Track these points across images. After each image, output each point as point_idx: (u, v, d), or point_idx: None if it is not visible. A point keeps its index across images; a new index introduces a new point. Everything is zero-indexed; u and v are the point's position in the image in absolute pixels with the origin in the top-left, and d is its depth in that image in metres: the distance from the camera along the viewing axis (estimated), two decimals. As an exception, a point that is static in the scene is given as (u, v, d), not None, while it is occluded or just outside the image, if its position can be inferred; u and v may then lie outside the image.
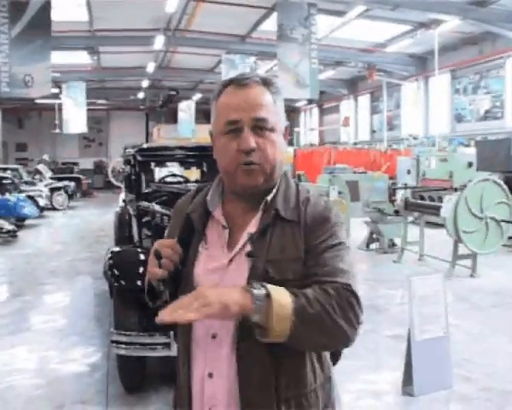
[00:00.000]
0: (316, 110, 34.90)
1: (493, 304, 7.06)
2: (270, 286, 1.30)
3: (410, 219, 10.72)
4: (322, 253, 1.43)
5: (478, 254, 8.51)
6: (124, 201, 7.73)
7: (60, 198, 20.39)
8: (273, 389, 1.41)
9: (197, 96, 30.96)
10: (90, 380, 4.76)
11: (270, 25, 16.89)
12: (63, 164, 31.17)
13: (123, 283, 4.34)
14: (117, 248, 5.35)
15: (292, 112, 34.89)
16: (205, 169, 7.27)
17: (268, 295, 1.27)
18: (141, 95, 31.92)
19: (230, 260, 1.47)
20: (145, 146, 6.71)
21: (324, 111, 33.93)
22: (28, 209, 14.85)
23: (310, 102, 30.45)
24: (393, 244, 10.75)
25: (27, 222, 15.42)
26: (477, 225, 8.35)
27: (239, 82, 1.49)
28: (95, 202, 24.29)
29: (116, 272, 4.42)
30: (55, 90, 22.21)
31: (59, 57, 17.89)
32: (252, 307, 1.26)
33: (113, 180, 23.15)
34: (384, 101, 24.92)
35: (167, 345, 3.96)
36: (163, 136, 27.03)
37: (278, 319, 1.27)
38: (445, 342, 4.47)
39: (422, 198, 11.10)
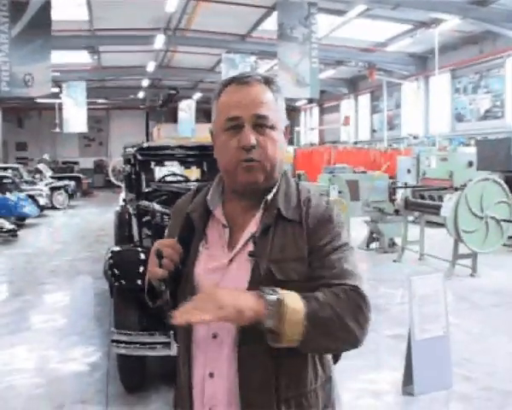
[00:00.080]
0: (316, 109, 34.89)
1: (493, 304, 7.06)
2: (281, 291, 1.29)
3: (411, 218, 10.72)
4: (327, 255, 1.44)
5: (478, 254, 8.50)
6: (124, 200, 7.73)
7: (60, 197, 20.39)
8: (273, 389, 1.41)
9: (197, 96, 30.98)
10: (90, 379, 4.76)
11: (271, 24, 16.88)
12: (63, 163, 31.18)
13: (123, 282, 4.34)
14: (117, 248, 5.36)
15: (292, 111, 34.87)
16: (205, 168, 7.27)
17: (280, 301, 1.27)
18: (141, 94, 31.93)
19: (231, 260, 1.47)
20: (145, 145, 6.70)
21: (324, 110, 33.92)
22: (28, 208, 14.86)
23: (310, 101, 30.44)
24: (393, 244, 10.74)
25: (28, 221, 15.43)
26: (477, 224, 8.35)
27: (240, 80, 1.50)
28: (95, 201, 24.30)
29: (116, 271, 4.42)
30: (56, 90, 22.20)
31: (59, 57, 17.87)
32: (265, 312, 1.26)
33: (113, 179, 23.15)
34: (384, 100, 24.91)
35: (167, 344, 3.96)
36: (163, 135, 27.03)
37: (291, 324, 1.26)
38: (446, 341, 4.47)
39: (423, 197, 11.10)
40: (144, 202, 5.58)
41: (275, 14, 15.42)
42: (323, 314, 1.31)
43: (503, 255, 9.70)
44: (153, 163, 6.82)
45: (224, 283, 1.44)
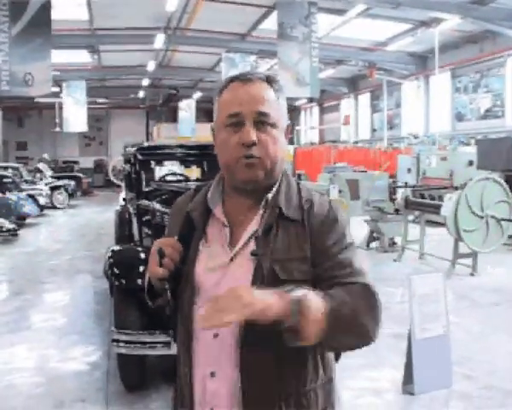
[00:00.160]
0: (316, 109, 34.88)
1: (494, 302, 7.06)
2: (301, 290, 1.29)
3: (411, 217, 10.71)
4: (336, 254, 1.44)
5: (478, 253, 8.50)
6: (124, 199, 7.73)
7: (60, 197, 20.39)
8: (274, 388, 1.41)
9: (197, 95, 30.99)
10: (90, 378, 4.76)
11: (271, 23, 16.88)
12: (63, 163, 31.19)
13: (123, 281, 4.34)
14: (117, 247, 5.36)
15: (292, 111, 34.87)
16: (205, 168, 7.27)
17: (303, 298, 1.26)
18: (141, 93, 31.96)
19: (232, 259, 1.46)
20: (145, 145, 6.71)
21: (324, 110, 33.91)
22: (29, 208, 14.86)
23: (310, 100, 30.45)
24: (394, 243, 10.74)
25: (28, 221, 15.42)
26: (477, 223, 8.35)
27: (243, 78, 1.50)
28: (95, 200, 24.29)
29: (116, 270, 4.42)
30: (56, 89, 22.19)
31: (59, 56, 17.88)
32: (289, 310, 1.24)
33: (113, 179, 23.16)
34: (384, 99, 24.90)
35: (167, 344, 3.97)
36: (163, 135, 27.04)
37: (313, 321, 1.26)
38: (446, 340, 4.47)
39: (423, 197, 11.08)
40: (144, 202, 5.58)
41: (275, 13, 15.42)
42: (342, 312, 1.31)
43: (504, 254, 9.70)
44: (153, 162, 6.83)
45: (224, 281, 1.44)
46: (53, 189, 20.06)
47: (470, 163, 13.66)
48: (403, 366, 4.42)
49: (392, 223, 10.48)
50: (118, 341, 4.11)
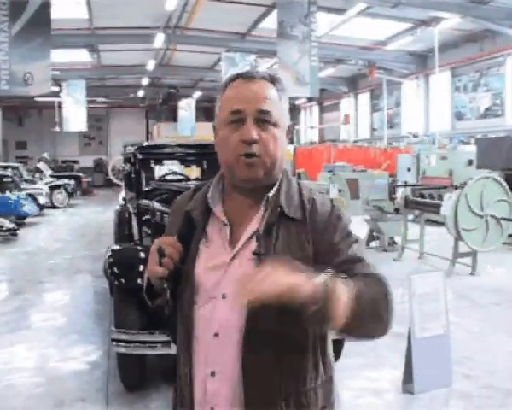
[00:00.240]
0: (316, 108, 34.87)
1: (493, 302, 7.06)
2: (325, 274, 1.26)
3: (410, 217, 10.72)
4: (345, 250, 1.45)
5: (478, 252, 8.50)
6: (124, 199, 7.73)
7: (60, 196, 20.39)
8: (276, 387, 1.40)
9: (197, 94, 30.99)
10: (90, 378, 4.76)
11: (271, 22, 16.87)
12: (63, 162, 31.20)
13: (123, 281, 4.34)
14: (117, 247, 5.35)
15: (292, 110, 34.53)
16: (205, 167, 7.26)
17: (331, 281, 1.24)
18: (141, 93, 31.94)
19: (232, 258, 1.46)
20: (145, 144, 6.71)
21: (324, 109, 33.90)
22: (28, 207, 14.85)
23: (310, 99, 30.46)
24: (393, 242, 10.74)
25: (27, 220, 15.42)
26: (477, 222, 8.35)
27: (246, 76, 1.51)
28: (95, 200, 24.30)
29: (116, 270, 4.42)
30: (55, 88, 22.19)
31: (59, 55, 17.89)
32: (317, 291, 1.21)
33: (113, 178, 23.14)
34: (384, 99, 24.90)
35: (167, 343, 3.96)
36: (163, 134, 27.02)
37: (339, 305, 1.23)
38: (446, 340, 4.47)
39: (422, 196, 11.10)
40: (144, 201, 5.58)
41: (275, 12, 15.41)
42: (364, 299, 1.30)
43: (503, 254, 9.71)
44: (152, 162, 6.82)
45: (225, 281, 1.43)
46: (53, 188, 20.06)
47: (470, 162, 13.68)
48: (403, 366, 4.42)
49: (391, 222, 10.48)
50: (117, 340, 4.10)
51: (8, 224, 12.69)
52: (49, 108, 29.92)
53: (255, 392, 1.39)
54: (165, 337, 3.99)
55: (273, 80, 1.52)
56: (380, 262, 9.61)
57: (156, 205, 5.16)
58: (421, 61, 22.99)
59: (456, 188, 8.88)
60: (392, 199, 10.57)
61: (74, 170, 28.74)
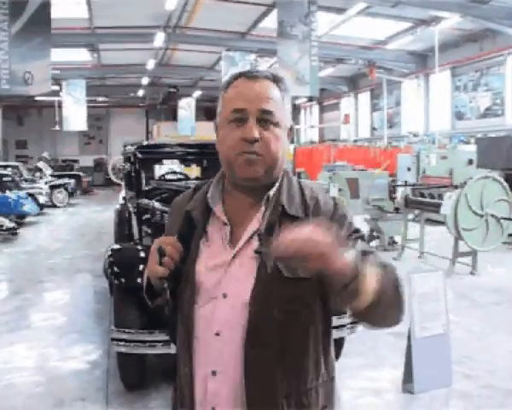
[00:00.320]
0: (316, 108, 34.87)
1: (493, 301, 7.06)
2: (356, 250, 1.26)
3: (410, 216, 10.72)
4: (354, 245, 1.44)
5: (478, 252, 8.50)
6: (124, 198, 7.72)
7: (60, 195, 20.38)
8: (277, 387, 1.40)
9: (197, 94, 30.97)
10: (90, 377, 4.76)
11: (271, 22, 16.86)
12: (63, 161, 31.19)
13: (123, 280, 4.33)
14: (117, 246, 5.35)
15: (292, 109, 34.72)
16: (205, 166, 7.26)
17: (362, 254, 1.25)
18: (141, 92, 31.94)
19: (233, 257, 1.46)
20: (145, 143, 6.70)
21: (324, 108, 33.90)
22: (28, 207, 14.85)
23: (310, 99, 30.44)
24: (394, 242, 10.74)
25: (27, 220, 15.42)
26: (477, 222, 8.35)
27: (249, 75, 1.51)
28: (95, 199, 24.29)
29: (116, 269, 4.42)
30: (55, 88, 22.20)
31: (59, 54, 17.85)
32: (351, 263, 1.21)
33: (113, 178, 23.14)
34: (384, 98, 24.90)
35: (167, 342, 3.95)
36: (163, 133, 27.03)
37: (367, 282, 1.24)
38: (446, 339, 4.47)
39: (422, 195, 11.09)
40: (144, 200, 5.57)
41: (275, 11, 15.41)
42: (386, 283, 1.30)
43: (503, 253, 9.71)
44: (153, 161, 6.82)
45: (226, 280, 1.43)
46: (53, 187, 20.06)
47: (470, 162, 13.68)
48: (403, 366, 4.41)
49: (391, 222, 10.48)
50: (117, 339, 4.11)
51: (8, 223, 12.70)
52: (49, 107, 29.93)
53: (257, 391, 1.39)
54: (164, 337, 3.98)
55: (276, 80, 1.52)
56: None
57: (156, 204, 5.16)
58: (422, 61, 22.99)
59: (456, 187, 8.88)
60: (393, 198, 10.57)
61: (74, 169, 28.73)
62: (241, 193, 1.51)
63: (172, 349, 3.99)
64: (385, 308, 1.34)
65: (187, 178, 7.34)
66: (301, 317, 1.42)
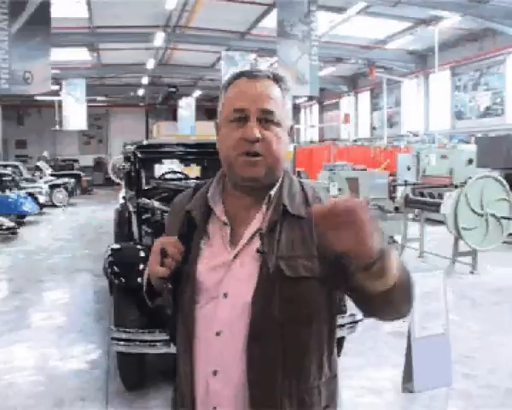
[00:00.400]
0: (316, 107, 34.87)
1: (494, 301, 7.06)
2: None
3: (410, 216, 10.72)
4: None
5: (478, 251, 8.50)
6: (124, 198, 7.72)
7: (60, 195, 20.37)
8: (280, 386, 1.40)
9: (197, 93, 30.96)
10: (90, 377, 4.76)
11: (270, 21, 16.86)
12: (63, 161, 31.12)
13: (123, 280, 4.33)
14: (117, 245, 5.35)
15: (292, 109, 34.79)
16: (205, 166, 7.26)
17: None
18: (141, 92, 31.93)
19: (234, 257, 1.45)
20: (145, 143, 6.70)
21: (324, 108, 33.90)
22: (28, 206, 14.84)
23: (310, 98, 30.43)
24: (394, 241, 10.72)
25: (27, 219, 15.42)
26: (477, 221, 8.35)
27: (250, 74, 1.50)
28: (95, 198, 24.28)
29: (116, 269, 4.42)
30: (55, 87, 22.18)
31: (59, 54, 17.87)
32: (378, 248, 1.20)
33: (113, 177, 23.12)
34: (384, 98, 24.90)
35: (167, 342, 3.95)
36: (163, 133, 27.03)
37: (391, 267, 1.25)
38: (446, 339, 4.46)
39: (422, 195, 11.08)
40: (144, 200, 5.57)
41: (275, 11, 15.39)
42: (402, 273, 1.32)
43: (503, 253, 9.69)
44: (152, 161, 6.82)
45: (227, 280, 1.43)
46: (52, 187, 20.04)
47: (470, 161, 13.67)
48: (402, 365, 4.41)
49: (391, 221, 10.46)
50: (117, 339, 4.10)
51: (7, 223, 12.70)
52: (48, 106, 29.90)
53: (260, 391, 1.39)
54: (164, 336, 3.98)
55: (277, 79, 1.51)
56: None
57: (156, 204, 5.15)
58: (421, 60, 22.99)
59: (456, 187, 8.88)
60: (393, 198, 10.57)
61: (74, 169, 28.69)
62: (241, 193, 1.51)
63: (172, 349, 3.99)
64: (399, 297, 1.35)
65: (187, 177, 7.34)
66: (303, 316, 1.42)
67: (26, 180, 18.92)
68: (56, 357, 5.25)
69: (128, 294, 4.24)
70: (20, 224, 14.16)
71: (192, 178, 7.12)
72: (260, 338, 1.37)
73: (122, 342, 4.09)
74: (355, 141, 26.19)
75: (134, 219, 5.98)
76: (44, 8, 12.82)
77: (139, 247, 5.00)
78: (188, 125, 28.02)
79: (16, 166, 19.87)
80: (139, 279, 4.06)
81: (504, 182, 8.66)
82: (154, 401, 4.27)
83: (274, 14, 15.59)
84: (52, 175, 22.51)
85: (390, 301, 1.34)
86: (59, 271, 9.24)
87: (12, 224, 12.83)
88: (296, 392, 1.42)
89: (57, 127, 28.45)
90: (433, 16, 17.18)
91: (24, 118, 34.68)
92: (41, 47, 12.86)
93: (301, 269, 1.40)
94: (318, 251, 1.41)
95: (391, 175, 14.02)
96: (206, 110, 31.71)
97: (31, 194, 16.27)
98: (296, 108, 35.58)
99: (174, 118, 30.79)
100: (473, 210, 8.30)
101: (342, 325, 4.25)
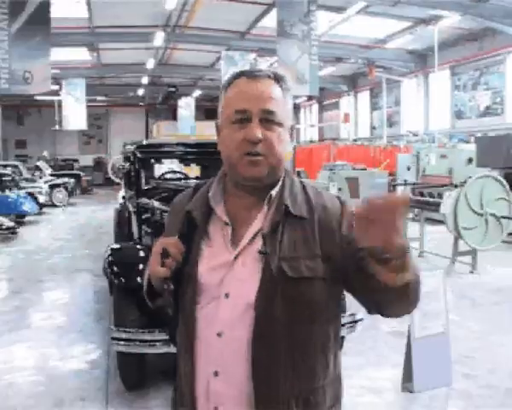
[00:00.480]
0: (315, 107, 34.88)
1: (494, 301, 7.06)
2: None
3: (410, 215, 10.71)
4: None
5: (478, 251, 8.50)
6: (123, 197, 7.72)
7: (59, 195, 20.36)
8: (285, 386, 1.40)
9: (197, 93, 30.95)
10: (90, 377, 4.75)
11: (270, 21, 16.85)
12: (63, 161, 31.13)
13: (123, 280, 4.33)
14: (117, 245, 5.35)
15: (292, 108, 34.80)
16: (205, 166, 7.26)
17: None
18: (140, 91, 31.93)
19: (235, 257, 1.45)
20: (145, 143, 6.70)
21: (324, 107, 33.91)
22: (28, 206, 14.84)
23: (309, 98, 30.42)
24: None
25: (27, 219, 15.42)
26: (477, 221, 8.35)
27: (250, 74, 1.50)
28: (94, 198, 24.27)
29: (116, 269, 4.42)
30: (55, 87, 22.18)
31: (59, 54, 17.87)
32: (402, 243, 1.21)
33: (113, 177, 23.12)
34: (384, 97, 24.90)
35: (167, 342, 3.95)
36: (163, 133, 27.04)
37: (411, 262, 1.26)
38: (446, 338, 4.46)
39: (422, 195, 11.09)
40: (144, 200, 5.57)
41: (274, 10, 15.39)
42: (416, 266, 1.32)
43: (503, 252, 9.70)
44: (152, 160, 6.82)
45: (228, 280, 1.43)
46: (52, 187, 20.04)
47: (470, 161, 13.66)
48: (402, 365, 4.41)
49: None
50: (117, 339, 4.10)
51: (7, 222, 12.69)
52: (48, 106, 29.89)
53: (264, 391, 1.39)
54: (164, 336, 3.98)
55: (277, 79, 1.51)
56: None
57: (156, 204, 5.15)
58: (421, 60, 22.98)
59: (455, 186, 8.88)
60: (392, 198, 10.54)
61: (74, 169, 28.71)
62: (242, 193, 1.51)
63: (172, 349, 3.99)
64: (413, 292, 1.35)
65: (187, 177, 7.34)
66: (306, 317, 1.42)
67: (26, 180, 18.93)
68: (56, 357, 5.25)
69: (128, 294, 4.24)
70: (20, 224, 14.16)
71: (192, 178, 7.13)
72: (264, 339, 1.37)
73: (122, 342, 4.09)
74: (355, 140, 26.19)
75: (134, 219, 5.98)
76: (44, 8, 12.82)
77: (139, 247, 5.00)
78: (188, 125, 28.02)
79: (16, 166, 19.87)
80: (139, 279, 4.06)
81: (504, 181, 8.66)
82: (154, 400, 4.27)
83: (274, 13, 15.58)
84: (52, 175, 22.51)
85: (405, 296, 1.34)
86: (59, 271, 9.24)
87: (12, 224, 12.83)
88: (302, 392, 1.42)
89: (57, 127, 28.45)
90: (433, 16, 17.19)
91: (24, 118, 34.67)
92: (41, 47, 12.86)
93: (304, 270, 1.40)
94: (322, 250, 1.41)
95: (390, 175, 14.04)
96: (206, 110, 31.70)
97: (30, 194, 16.27)
98: (296, 108, 35.56)
99: (174, 118, 30.78)
100: (472, 210, 8.30)
101: (342, 325, 4.24)
